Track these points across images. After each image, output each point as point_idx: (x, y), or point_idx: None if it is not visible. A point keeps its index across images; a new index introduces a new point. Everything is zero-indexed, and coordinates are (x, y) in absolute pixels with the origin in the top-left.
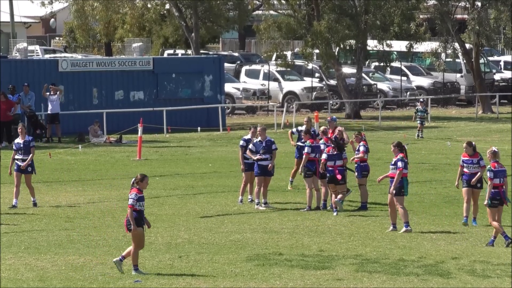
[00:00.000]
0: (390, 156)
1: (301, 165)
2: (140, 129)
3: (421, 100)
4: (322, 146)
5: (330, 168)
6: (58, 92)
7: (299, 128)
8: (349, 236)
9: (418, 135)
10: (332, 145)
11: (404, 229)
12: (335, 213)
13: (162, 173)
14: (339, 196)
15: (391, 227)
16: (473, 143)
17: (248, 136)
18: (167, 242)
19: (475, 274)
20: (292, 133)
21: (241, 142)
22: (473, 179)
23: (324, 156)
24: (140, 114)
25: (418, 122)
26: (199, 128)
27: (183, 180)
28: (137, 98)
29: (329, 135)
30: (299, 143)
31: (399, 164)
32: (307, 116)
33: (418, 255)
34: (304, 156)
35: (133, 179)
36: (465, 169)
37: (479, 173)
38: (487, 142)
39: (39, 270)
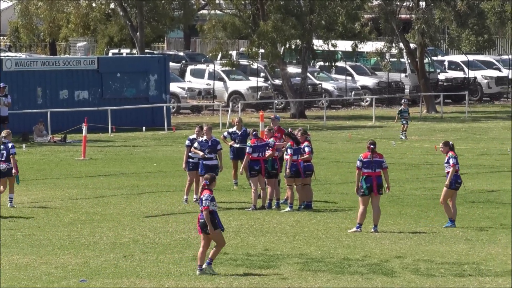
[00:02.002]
0: (335, 155)
1: (242, 166)
2: (84, 129)
3: (404, 100)
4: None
5: (295, 162)
6: (5, 102)
7: (230, 130)
8: (294, 235)
9: (401, 137)
10: (292, 140)
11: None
12: (300, 209)
13: (106, 173)
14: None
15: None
16: (450, 142)
17: (194, 136)
18: (112, 242)
19: (419, 273)
20: (225, 137)
21: (187, 142)
22: (446, 182)
23: (289, 151)
24: (84, 114)
25: (403, 122)
26: (144, 127)
27: (128, 180)
28: (81, 97)
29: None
30: (235, 145)
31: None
32: (238, 116)
33: (363, 254)
34: (245, 156)
35: (205, 181)
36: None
37: (450, 173)
38: (432, 142)
39: None
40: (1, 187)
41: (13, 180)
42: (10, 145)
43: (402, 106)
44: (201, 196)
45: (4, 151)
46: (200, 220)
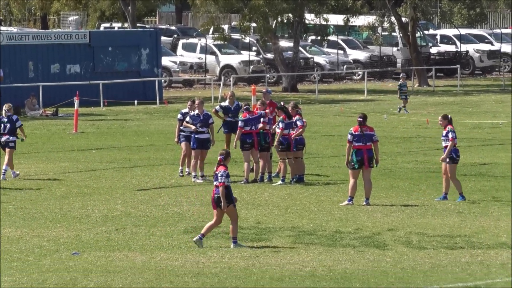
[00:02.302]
0: (327, 129)
1: (235, 140)
2: (76, 102)
3: (403, 75)
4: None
5: (286, 136)
6: None
7: (222, 104)
8: (286, 209)
9: (400, 110)
10: (284, 114)
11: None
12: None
13: (98, 146)
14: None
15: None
16: (449, 116)
17: (186, 110)
18: (104, 215)
19: (411, 245)
20: (217, 111)
21: (179, 116)
22: (443, 155)
23: (281, 124)
24: (76, 87)
25: (402, 97)
26: (135, 101)
27: (119, 153)
28: (73, 71)
29: (254, 109)
30: (228, 118)
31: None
32: (231, 90)
33: (355, 227)
34: (238, 130)
35: (220, 156)
36: (443, 143)
37: (448, 147)
38: (423, 115)
39: None
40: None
41: (12, 152)
42: (14, 118)
43: (401, 80)
44: (216, 172)
45: (8, 124)
46: (215, 195)
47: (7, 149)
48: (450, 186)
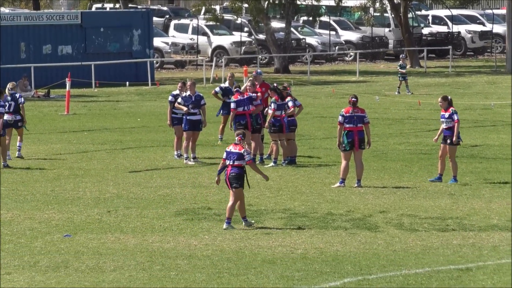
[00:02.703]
0: (319, 110)
1: (229, 121)
2: (68, 84)
3: (402, 55)
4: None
5: (278, 118)
6: None
7: (222, 85)
8: (278, 191)
9: (398, 92)
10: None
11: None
12: (284, 164)
13: (90, 128)
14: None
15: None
16: (449, 97)
17: (177, 92)
18: (96, 197)
19: (402, 227)
20: (216, 92)
21: (170, 98)
22: (454, 138)
23: (273, 105)
24: (68, 69)
25: (400, 79)
26: (127, 82)
27: (111, 135)
28: (65, 52)
29: (256, 89)
30: (227, 100)
31: (456, 116)
32: (230, 71)
33: (346, 209)
34: (231, 112)
35: (240, 135)
36: (443, 125)
37: (456, 128)
38: (415, 97)
39: None
40: (7, 138)
41: (22, 130)
42: (17, 95)
43: (401, 61)
44: (239, 151)
45: (12, 102)
46: (232, 173)
47: (18, 130)
48: (445, 168)
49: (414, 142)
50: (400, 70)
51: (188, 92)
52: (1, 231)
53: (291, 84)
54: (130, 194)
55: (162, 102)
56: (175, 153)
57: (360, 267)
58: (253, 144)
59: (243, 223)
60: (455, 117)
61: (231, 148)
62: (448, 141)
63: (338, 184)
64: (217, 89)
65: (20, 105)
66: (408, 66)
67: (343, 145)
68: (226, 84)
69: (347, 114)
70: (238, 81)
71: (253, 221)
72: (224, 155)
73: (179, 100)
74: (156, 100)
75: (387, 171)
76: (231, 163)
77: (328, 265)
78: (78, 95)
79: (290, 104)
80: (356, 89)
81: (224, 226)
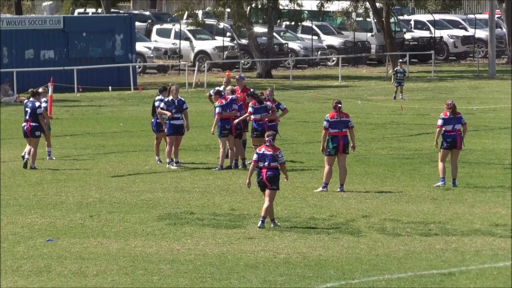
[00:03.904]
0: (302, 115)
1: (213, 125)
2: (50, 88)
3: (401, 60)
4: (234, 105)
5: (260, 122)
6: None
7: (217, 88)
8: (260, 195)
9: (395, 97)
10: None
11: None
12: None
13: (73, 133)
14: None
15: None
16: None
17: (161, 96)
18: (78, 202)
19: (385, 232)
20: (210, 95)
21: (157, 103)
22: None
23: (250, 109)
24: (50, 73)
25: (396, 84)
26: (110, 87)
27: (94, 139)
28: (47, 57)
29: (236, 94)
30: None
31: (463, 120)
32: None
33: (329, 213)
34: (216, 116)
35: (269, 137)
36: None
37: (464, 133)
38: (397, 102)
39: None
40: (27, 145)
41: (49, 135)
42: (36, 104)
43: (398, 66)
44: (275, 153)
45: (29, 109)
46: (269, 175)
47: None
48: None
49: (396, 147)
50: (397, 75)
51: (171, 97)
52: None
53: (273, 89)
54: (112, 199)
55: (145, 107)
56: (157, 158)
57: (343, 272)
58: (235, 149)
59: (272, 225)
60: (463, 121)
61: (263, 150)
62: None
63: (321, 188)
64: (211, 92)
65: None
66: (390, 71)
67: (328, 150)
68: (221, 88)
69: (332, 119)
70: (220, 86)
71: (279, 224)
72: (255, 157)
73: (162, 104)
74: (138, 104)
75: (369, 176)
76: (266, 165)
77: (311, 269)
78: (61, 99)
79: (282, 106)
80: (339, 94)
81: (259, 224)
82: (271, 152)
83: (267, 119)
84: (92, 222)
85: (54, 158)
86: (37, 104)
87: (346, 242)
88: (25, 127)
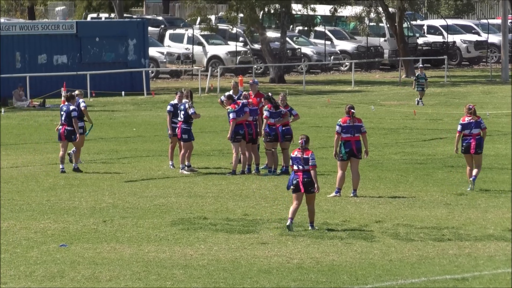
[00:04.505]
0: (314, 120)
1: (230, 130)
2: (63, 93)
3: (421, 66)
4: (246, 108)
5: (274, 127)
6: None
7: (227, 93)
8: (274, 200)
9: (418, 102)
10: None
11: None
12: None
13: (86, 138)
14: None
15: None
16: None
17: (175, 101)
18: (91, 207)
19: (398, 237)
20: (222, 101)
21: (169, 108)
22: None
23: (265, 113)
24: (63, 78)
25: (419, 89)
26: (123, 92)
27: (107, 145)
28: (60, 62)
29: (250, 99)
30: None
31: (483, 125)
32: (233, 80)
33: (342, 218)
34: (230, 122)
35: (302, 140)
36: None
37: (483, 136)
38: (410, 106)
39: None
40: (61, 150)
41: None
42: (71, 107)
43: (419, 71)
44: (306, 156)
45: (64, 113)
46: (306, 179)
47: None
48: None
49: (409, 152)
50: (418, 81)
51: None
52: None
53: (286, 94)
54: (125, 204)
55: (158, 112)
56: (170, 163)
57: (356, 277)
58: (247, 154)
59: (309, 227)
60: (482, 125)
61: (296, 154)
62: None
63: (334, 193)
64: (222, 97)
65: (78, 116)
66: (403, 76)
67: (341, 155)
68: (231, 93)
69: (345, 124)
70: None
71: (316, 227)
72: (290, 162)
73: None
74: (151, 109)
75: (382, 181)
76: (301, 168)
77: (324, 275)
78: None
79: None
80: (351, 99)
81: (288, 222)
82: (304, 155)
83: (279, 124)
84: (105, 227)
85: (82, 161)
86: (71, 107)
87: (360, 247)
88: (60, 131)
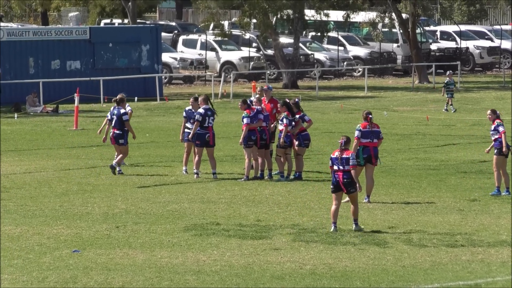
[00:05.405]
0: (328, 126)
1: (242, 136)
2: (76, 99)
3: (450, 72)
4: (260, 115)
5: (288, 134)
6: None
7: (251, 99)
8: (286, 206)
9: (446, 109)
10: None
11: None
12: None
13: (99, 143)
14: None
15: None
16: (497, 111)
17: (189, 107)
18: (104, 212)
19: (411, 243)
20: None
21: (184, 114)
22: (504, 149)
23: (285, 121)
24: (76, 84)
25: (448, 95)
26: (136, 97)
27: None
28: (73, 67)
29: (263, 104)
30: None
31: (501, 128)
32: (260, 86)
33: None
34: (244, 127)
35: (342, 140)
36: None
37: (503, 139)
38: (423, 112)
39: None
40: (116, 151)
41: (123, 149)
42: (122, 111)
43: (448, 78)
44: (346, 156)
45: (115, 117)
46: (346, 180)
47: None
48: (501, 179)
49: (422, 158)
50: (448, 87)
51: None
52: (10, 246)
53: (299, 100)
54: (138, 210)
55: (171, 118)
56: (184, 168)
57: (369, 283)
58: (260, 160)
59: (354, 227)
60: (501, 128)
61: (337, 154)
62: (496, 151)
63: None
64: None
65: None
66: (416, 82)
67: (358, 160)
68: (253, 98)
69: (365, 129)
70: (246, 96)
71: (363, 227)
72: (330, 162)
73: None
74: (164, 115)
75: (395, 187)
76: (341, 169)
77: (337, 281)
78: (87, 110)
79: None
80: (365, 105)
81: (331, 229)
82: (344, 156)
83: (291, 132)
84: (118, 233)
85: (126, 163)
86: (122, 111)
87: (372, 253)
88: (111, 135)
